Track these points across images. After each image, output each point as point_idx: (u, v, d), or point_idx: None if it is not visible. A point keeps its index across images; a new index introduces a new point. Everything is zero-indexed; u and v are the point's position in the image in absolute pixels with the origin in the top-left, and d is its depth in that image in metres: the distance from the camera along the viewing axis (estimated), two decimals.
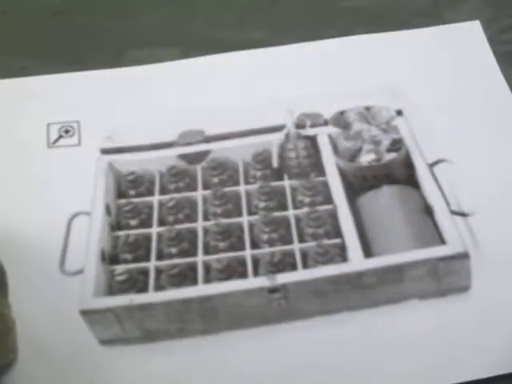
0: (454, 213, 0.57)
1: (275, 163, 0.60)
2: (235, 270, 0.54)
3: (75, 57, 0.67)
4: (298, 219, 0.57)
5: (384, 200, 0.58)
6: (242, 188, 0.59)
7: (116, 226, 0.58)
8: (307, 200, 0.58)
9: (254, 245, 0.56)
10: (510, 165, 0.60)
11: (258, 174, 0.60)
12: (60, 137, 0.62)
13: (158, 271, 0.55)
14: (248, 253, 0.55)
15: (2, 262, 0.52)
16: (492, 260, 0.55)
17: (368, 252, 0.55)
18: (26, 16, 0.70)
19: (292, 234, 0.56)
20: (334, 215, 0.57)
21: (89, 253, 0.55)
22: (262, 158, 0.60)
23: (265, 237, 0.56)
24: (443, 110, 0.63)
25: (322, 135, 0.61)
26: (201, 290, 0.53)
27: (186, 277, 0.54)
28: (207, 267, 0.55)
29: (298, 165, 0.60)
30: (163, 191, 0.59)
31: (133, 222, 0.58)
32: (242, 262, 0.55)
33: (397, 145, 0.60)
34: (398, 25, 0.69)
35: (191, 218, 0.58)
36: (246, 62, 0.66)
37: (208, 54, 0.67)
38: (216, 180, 0.60)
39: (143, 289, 0.54)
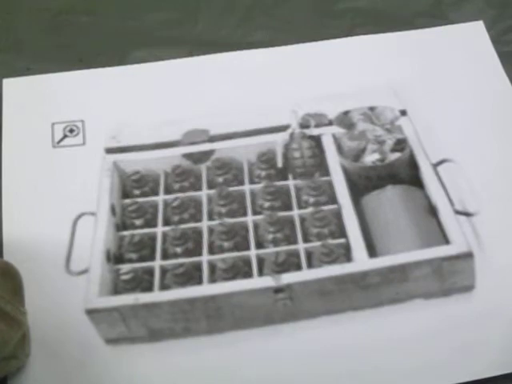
0: (458, 212, 0.57)
1: (280, 163, 0.60)
2: (240, 270, 0.54)
3: (79, 57, 0.67)
4: (302, 219, 0.57)
5: (388, 200, 0.58)
6: (246, 188, 0.59)
7: (121, 225, 0.58)
8: (312, 200, 0.58)
9: (259, 245, 0.56)
10: None
11: (263, 173, 0.60)
12: (65, 136, 0.62)
13: (163, 271, 0.55)
14: (253, 253, 0.55)
15: (8, 260, 0.52)
16: (496, 260, 0.55)
17: (372, 252, 0.55)
18: (30, 16, 0.70)
19: (297, 233, 0.56)
20: (338, 215, 0.57)
21: (94, 253, 0.55)
22: (267, 158, 0.61)
23: (269, 237, 0.56)
24: (447, 110, 0.63)
25: (327, 135, 0.62)
26: (206, 289, 0.53)
27: (191, 276, 0.54)
28: (212, 267, 0.55)
29: (303, 165, 0.60)
30: (168, 191, 0.59)
31: (138, 222, 0.58)
32: (246, 261, 0.55)
33: (401, 145, 0.60)
34: (401, 25, 0.69)
35: (196, 217, 0.58)
36: (251, 61, 0.66)
37: (212, 54, 0.67)
38: (221, 180, 0.60)
39: (148, 288, 0.54)
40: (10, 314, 0.48)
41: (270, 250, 0.56)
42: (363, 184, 0.59)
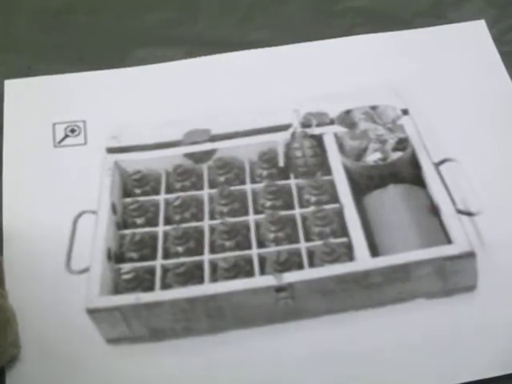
0: (460, 212, 0.57)
1: (281, 162, 0.60)
2: (241, 269, 0.54)
3: (80, 56, 0.67)
4: (304, 218, 0.57)
5: (390, 199, 0.58)
6: (248, 187, 0.59)
7: (122, 224, 0.57)
8: (313, 199, 0.58)
9: (261, 244, 0.56)
10: None
11: (264, 173, 0.60)
12: (66, 136, 0.62)
13: (165, 270, 0.55)
14: (254, 252, 0.55)
15: (8, 258, 0.52)
16: (498, 259, 0.55)
17: (374, 251, 0.55)
18: (30, 16, 0.70)
19: (298, 232, 0.56)
20: (340, 214, 0.57)
21: (95, 251, 0.55)
22: (268, 157, 0.60)
23: (271, 236, 0.56)
24: (449, 109, 0.63)
25: (328, 134, 0.61)
26: (207, 288, 0.53)
27: (193, 275, 0.54)
28: (213, 266, 0.55)
29: (304, 164, 0.60)
30: (169, 190, 0.59)
31: (139, 221, 0.57)
32: (248, 260, 0.55)
33: (403, 144, 0.60)
34: (401, 25, 0.69)
35: (197, 216, 0.58)
36: (252, 61, 0.66)
37: (212, 53, 0.67)
38: (222, 179, 0.60)
39: (149, 287, 0.54)
40: None
41: (272, 249, 0.55)
42: (365, 183, 0.59)
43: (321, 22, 0.70)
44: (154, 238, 0.57)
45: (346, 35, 0.68)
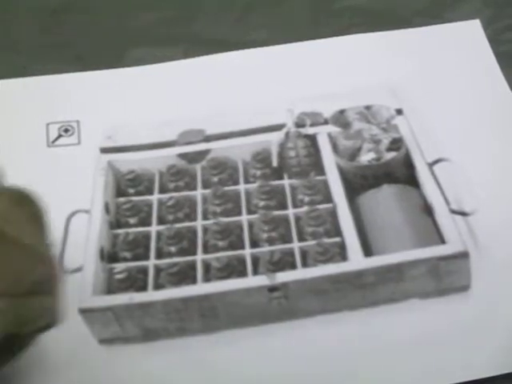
0: (454, 212, 0.57)
1: (275, 162, 0.60)
2: (235, 269, 0.54)
3: (76, 56, 0.67)
4: (297, 218, 0.57)
5: (384, 199, 0.58)
6: (241, 187, 0.59)
7: (115, 224, 0.57)
8: (307, 199, 0.58)
9: (254, 244, 0.56)
10: (510, 164, 0.60)
11: (258, 173, 0.60)
12: (59, 136, 0.62)
13: (158, 270, 0.54)
14: (247, 251, 0.55)
15: None
16: (492, 259, 0.55)
17: (368, 251, 0.54)
18: (26, 15, 0.70)
19: (292, 232, 0.56)
20: (333, 214, 0.57)
21: (88, 250, 0.55)
22: (262, 157, 0.60)
23: (264, 236, 0.56)
24: (443, 109, 0.63)
25: (322, 134, 0.61)
26: (200, 288, 0.53)
27: (186, 275, 0.54)
28: (207, 266, 0.54)
29: (298, 164, 0.60)
30: (163, 190, 0.59)
31: (132, 221, 0.57)
32: (241, 260, 0.55)
33: (397, 144, 0.60)
34: (398, 24, 0.69)
35: (191, 216, 0.58)
36: (247, 61, 0.66)
37: (209, 53, 0.67)
38: (216, 179, 0.60)
39: (142, 287, 0.54)
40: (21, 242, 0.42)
41: (265, 248, 0.55)
42: (359, 183, 0.59)
43: (319, 21, 0.70)
44: (147, 237, 0.56)
45: (343, 34, 0.68)
